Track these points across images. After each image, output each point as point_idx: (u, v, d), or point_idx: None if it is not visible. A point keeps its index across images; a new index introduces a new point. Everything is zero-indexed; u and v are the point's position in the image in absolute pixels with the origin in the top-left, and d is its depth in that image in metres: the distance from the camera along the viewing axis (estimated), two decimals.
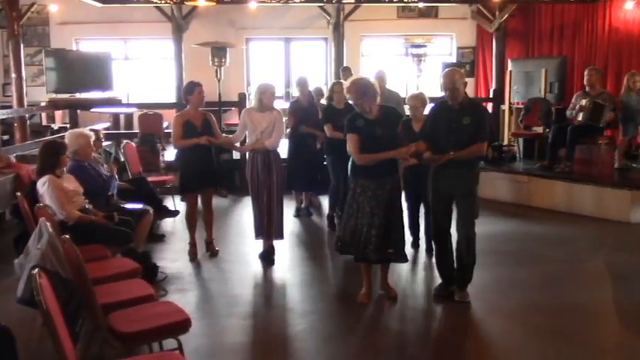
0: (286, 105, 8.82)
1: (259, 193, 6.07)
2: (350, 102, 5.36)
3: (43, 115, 12.46)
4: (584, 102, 8.35)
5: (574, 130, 8.42)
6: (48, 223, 3.98)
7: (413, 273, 6.03)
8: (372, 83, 4.94)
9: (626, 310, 5.10)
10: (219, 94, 9.63)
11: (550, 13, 12.48)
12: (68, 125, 10.56)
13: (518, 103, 10.76)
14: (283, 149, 7.17)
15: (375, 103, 4.92)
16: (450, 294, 5.20)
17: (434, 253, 5.45)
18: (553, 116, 9.70)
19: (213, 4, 10.49)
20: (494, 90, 11.24)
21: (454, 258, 5.19)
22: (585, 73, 8.61)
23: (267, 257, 6.18)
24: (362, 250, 4.96)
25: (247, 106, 6.62)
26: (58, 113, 12.59)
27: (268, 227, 6.12)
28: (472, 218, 5.02)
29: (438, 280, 5.33)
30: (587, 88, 8.54)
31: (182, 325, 3.54)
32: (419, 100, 6.21)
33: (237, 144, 6.68)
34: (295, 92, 7.86)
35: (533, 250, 6.68)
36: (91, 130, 6.23)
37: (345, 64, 11.13)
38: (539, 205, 8.51)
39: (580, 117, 8.38)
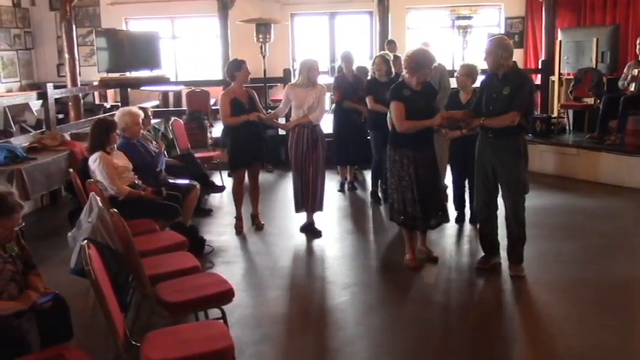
0: (331, 80, 8.84)
1: (303, 168, 6.16)
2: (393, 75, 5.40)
3: (96, 94, 12.82)
4: (636, 72, 8.12)
5: (626, 101, 8.19)
6: (98, 198, 4.15)
7: (457, 246, 6.04)
8: (428, 55, 5.15)
9: None
10: (265, 70, 9.71)
11: None
12: (119, 104, 10.85)
13: (568, 74, 10.48)
14: (327, 124, 7.24)
15: (429, 73, 5.17)
16: (493, 267, 5.22)
17: (478, 226, 5.47)
18: (604, 87, 9.43)
19: None
20: (542, 61, 10.97)
21: (499, 232, 5.19)
22: (637, 42, 8.33)
23: (309, 229, 6.29)
24: (415, 218, 5.16)
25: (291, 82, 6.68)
26: (110, 92, 12.93)
27: (313, 200, 6.23)
28: (518, 192, 4.98)
29: (482, 253, 5.33)
30: (639, 58, 8.27)
31: (226, 295, 3.66)
32: (466, 71, 6.22)
33: (282, 119, 6.76)
34: (341, 67, 7.86)
35: (581, 224, 6.58)
36: (140, 108, 6.39)
37: (390, 38, 11.02)
38: (588, 178, 8.34)
39: (632, 87, 8.15)
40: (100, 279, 2.86)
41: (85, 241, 3.00)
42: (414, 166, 5.10)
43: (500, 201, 5.13)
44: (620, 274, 5.17)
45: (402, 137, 5.09)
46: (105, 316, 2.86)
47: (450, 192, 6.56)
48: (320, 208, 6.35)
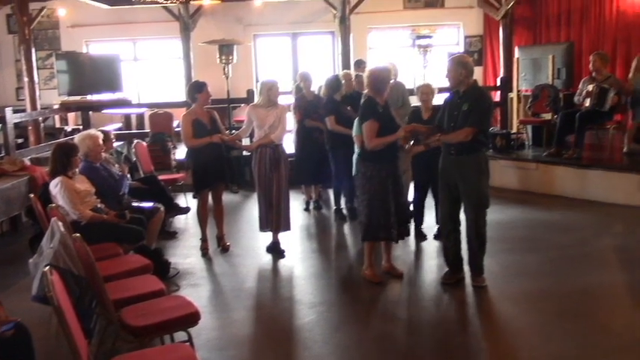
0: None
1: (266, 187, 6.18)
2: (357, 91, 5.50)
3: (57, 117, 12.64)
4: (590, 87, 8.36)
5: (582, 116, 8.40)
6: (60, 223, 4.10)
7: (422, 261, 6.11)
8: (387, 72, 5.33)
9: (633, 292, 5.16)
10: (228, 90, 9.73)
11: None
12: (81, 127, 10.72)
13: (526, 91, 10.75)
14: (289, 144, 7.28)
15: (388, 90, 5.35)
16: (457, 281, 5.30)
17: (441, 240, 5.57)
18: (561, 102, 9.69)
19: (219, 2, 10.57)
20: (501, 78, 11.23)
21: (462, 246, 5.29)
22: (590, 58, 8.61)
23: (275, 249, 6.30)
24: (391, 230, 5.27)
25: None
26: (71, 115, 12.76)
27: (277, 220, 6.24)
28: (480, 207, 5.10)
29: (446, 268, 5.40)
30: (593, 74, 8.53)
31: (191, 318, 3.65)
32: (428, 90, 6.40)
33: (246, 140, 6.77)
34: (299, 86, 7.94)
35: (542, 237, 6.72)
36: (100, 130, 6.34)
37: (352, 57, 11.16)
38: (548, 192, 8.53)
39: (587, 103, 8.38)
40: (62, 305, 2.83)
41: (47, 267, 2.97)
42: (390, 179, 5.23)
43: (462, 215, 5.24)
44: (580, 283, 5.30)
45: (377, 151, 5.18)
46: (68, 343, 2.82)
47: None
48: (287, 228, 6.36)
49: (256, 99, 6.46)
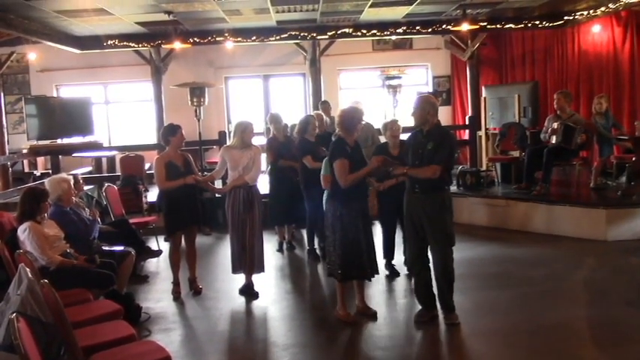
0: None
1: (239, 229, 6.17)
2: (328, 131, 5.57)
3: (25, 162, 12.51)
4: (555, 125, 8.55)
5: (549, 153, 8.58)
6: (27, 269, 4.04)
7: (393, 299, 6.11)
8: (358, 112, 5.42)
9: (602, 325, 5.21)
10: (200, 133, 9.76)
11: (520, 39, 12.82)
12: (50, 171, 10.62)
13: (494, 129, 10.98)
14: (263, 185, 7.30)
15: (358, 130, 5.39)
16: (431, 319, 5.29)
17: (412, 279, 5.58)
18: (528, 140, 9.91)
19: (189, 45, 10.68)
20: (469, 117, 11.48)
21: (433, 283, 5.30)
22: (554, 97, 8.84)
23: (248, 291, 6.25)
24: (364, 268, 5.29)
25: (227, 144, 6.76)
26: (41, 160, 12.64)
27: (250, 262, 6.21)
28: (445, 244, 5.14)
29: (419, 306, 5.41)
30: (558, 112, 8.75)
31: None
32: (396, 126, 6.55)
33: (218, 181, 6.78)
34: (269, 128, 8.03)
35: (513, 273, 6.78)
36: (69, 174, 6.30)
37: (323, 98, 11.31)
38: (518, 228, 8.65)
39: (553, 139, 8.56)
40: (29, 353, 2.78)
41: (14, 315, 2.92)
42: (360, 218, 5.26)
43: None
44: (550, 318, 5.34)
45: (347, 191, 5.22)
46: None
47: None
48: (260, 269, 6.33)
49: (229, 140, 6.49)
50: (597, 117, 8.75)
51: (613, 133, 8.75)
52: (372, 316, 5.47)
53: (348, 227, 5.25)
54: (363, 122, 5.70)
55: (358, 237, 5.25)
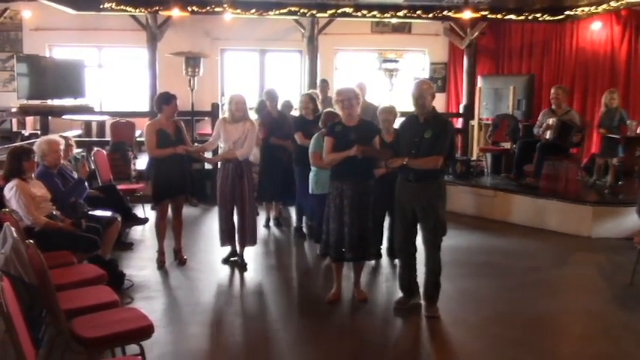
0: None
1: (227, 202, 6.16)
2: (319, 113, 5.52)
3: (14, 120, 12.34)
4: (551, 121, 8.52)
5: (542, 147, 8.59)
6: (13, 228, 3.99)
7: (376, 284, 6.10)
8: (351, 91, 5.28)
9: (581, 320, 5.29)
10: (192, 103, 9.67)
11: (520, 31, 12.75)
12: (39, 132, 10.49)
13: (487, 119, 10.98)
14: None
15: (357, 110, 5.23)
16: (412, 307, 5.27)
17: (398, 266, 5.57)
18: (520, 132, 9.92)
19: (187, 14, 10.53)
20: (464, 105, 11.45)
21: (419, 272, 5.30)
22: (552, 91, 8.81)
23: (239, 263, 6.31)
24: (340, 249, 5.23)
25: (221, 116, 6.69)
26: (29, 120, 12.47)
27: (242, 233, 6.23)
28: (437, 234, 5.07)
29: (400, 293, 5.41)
30: (553, 107, 8.74)
31: (144, 331, 3.58)
32: (391, 113, 6.35)
33: (210, 152, 6.73)
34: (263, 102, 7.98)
35: (498, 263, 6.82)
36: (61, 136, 6.23)
37: (318, 77, 11.22)
38: (504, 219, 8.68)
39: (547, 135, 8.55)
40: (11, 313, 2.75)
41: None
42: (349, 198, 5.15)
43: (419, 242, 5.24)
44: (532, 310, 5.40)
45: (337, 170, 5.20)
46: (15, 351, 2.74)
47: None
48: (253, 242, 6.37)
49: (222, 113, 6.44)
50: (603, 116, 8.71)
51: (622, 132, 8.52)
52: (363, 300, 5.43)
53: (328, 205, 5.28)
54: (369, 103, 5.62)
55: (340, 217, 5.18)
